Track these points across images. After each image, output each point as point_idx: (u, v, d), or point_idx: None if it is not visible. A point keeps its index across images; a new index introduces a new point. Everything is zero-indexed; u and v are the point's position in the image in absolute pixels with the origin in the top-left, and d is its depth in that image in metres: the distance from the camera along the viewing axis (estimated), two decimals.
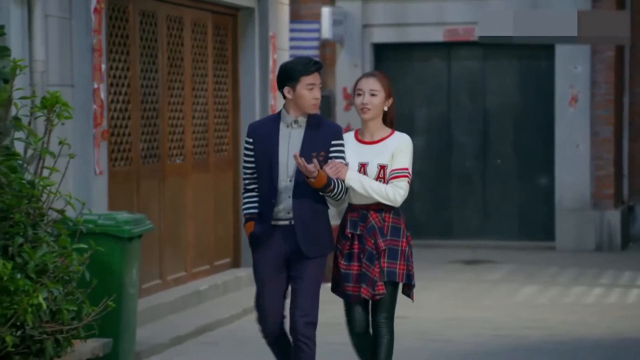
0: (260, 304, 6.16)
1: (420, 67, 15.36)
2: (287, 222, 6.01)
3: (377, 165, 6.03)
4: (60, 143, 6.50)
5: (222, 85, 11.32)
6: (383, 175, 6.03)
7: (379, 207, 6.05)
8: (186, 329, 8.96)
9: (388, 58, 15.34)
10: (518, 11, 13.91)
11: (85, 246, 6.49)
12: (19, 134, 6.73)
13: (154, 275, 9.78)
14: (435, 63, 15.33)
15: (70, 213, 6.62)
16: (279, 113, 6.12)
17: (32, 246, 6.14)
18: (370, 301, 6.15)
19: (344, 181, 5.98)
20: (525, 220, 15.04)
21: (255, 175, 6.12)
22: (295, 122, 6.02)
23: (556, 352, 8.39)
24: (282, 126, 6.04)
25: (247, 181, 6.20)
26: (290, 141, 6.01)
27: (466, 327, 9.39)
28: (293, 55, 13.27)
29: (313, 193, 5.97)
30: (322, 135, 6.02)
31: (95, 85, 8.36)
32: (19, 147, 6.80)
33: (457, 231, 15.21)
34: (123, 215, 7.51)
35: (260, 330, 6.22)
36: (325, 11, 14.64)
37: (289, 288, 6.17)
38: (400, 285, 6.15)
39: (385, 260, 6.00)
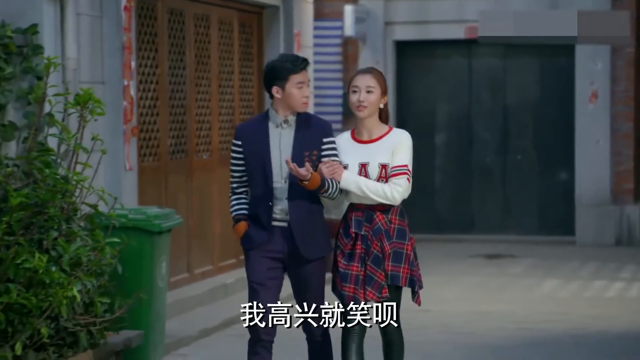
0: (259, 301, 5.81)
1: (442, 64, 15.35)
2: (284, 224, 5.78)
3: (379, 164, 5.76)
4: (93, 139, 6.56)
5: (248, 82, 11.36)
6: (385, 175, 5.75)
7: (385, 208, 5.79)
8: (214, 321, 9.01)
9: (410, 55, 15.35)
10: (518, 11, 13.85)
11: (117, 240, 6.56)
12: (52, 130, 6.80)
13: (182, 269, 9.83)
14: (456, 60, 15.32)
15: (102, 208, 6.67)
16: (267, 113, 5.83)
17: (66, 240, 6.20)
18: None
19: (339, 182, 5.73)
20: (546, 215, 15.02)
21: (244, 179, 5.88)
22: (285, 121, 5.75)
23: (579, 345, 8.39)
24: (271, 126, 5.77)
25: (234, 184, 5.93)
26: (281, 141, 5.76)
27: (489, 320, 9.40)
28: (318, 52, 13.33)
29: (309, 193, 5.72)
30: (312, 133, 5.77)
31: (126, 83, 8.41)
32: (52, 143, 6.88)
33: (478, 226, 15.19)
34: (153, 210, 7.55)
35: (251, 334, 5.87)
36: (348, 9, 14.64)
37: (281, 290, 5.89)
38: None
39: (390, 263, 5.74)
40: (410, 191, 5.82)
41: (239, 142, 5.81)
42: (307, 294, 5.83)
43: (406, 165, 5.75)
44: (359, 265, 5.75)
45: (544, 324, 9.23)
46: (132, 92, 8.54)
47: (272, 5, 11.46)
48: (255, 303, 5.77)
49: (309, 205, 5.77)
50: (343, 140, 5.87)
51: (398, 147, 5.76)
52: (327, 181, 5.68)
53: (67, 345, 6.33)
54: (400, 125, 15.28)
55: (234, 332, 8.93)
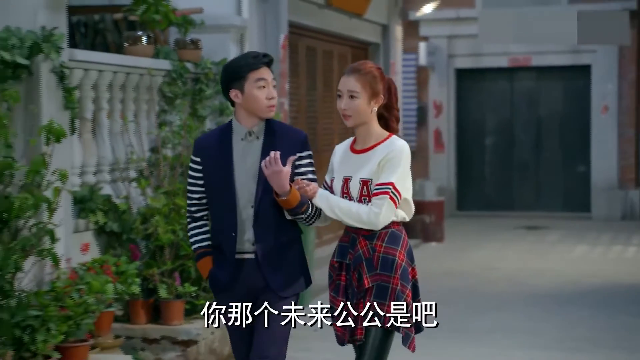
0: (239, 355, 3.71)
1: (491, 85, 15.21)
2: (252, 256, 3.58)
3: (359, 180, 3.54)
4: None
5: None
6: (367, 193, 3.53)
7: (370, 232, 3.54)
8: None
9: (467, 79, 15.24)
10: (518, 11, 13.16)
11: None
12: None
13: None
14: (502, 83, 15.19)
15: None
16: (230, 123, 3.64)
17: None
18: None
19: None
20: (569, 196, 14.85)
21: (204, 201, 3.68)
22: (250, 133, 3.58)
23: (615, 294, 8.27)
24: (235, 140, 3.59)
25: (193, 208, 3.70)
26: (247, 158, 3.57)
27: (544, 275, 9.28)
28: (404, 77, 13.30)
29: (280, 219, 3.57)
30: (285, 146, 3.57)
31: (282, 101, 8.48)
32: None
33: (517, 205, 15.08)
34: None
35: None
36: (422, 45, 14.64)
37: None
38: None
39: (372, 299, 3.50)
40: (412, 211, 3.58)
41: (198, 159, 3.64)
42: (266, 334, 3.55)
43: (391, 184, 3.48)
44: (344, 299, 3.57)
45: (584, 278, 9.10)
46: (286, 107, 8.60)
47: (375, 43, 11.49)
48: (236, 349, 3.71)
49: (282, 234, 3.58)
50: (340, 150, 3.71)
51: (385, 161, 3.51)
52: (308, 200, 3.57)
53: None
54: (459, 131, 15.23)
55: None
